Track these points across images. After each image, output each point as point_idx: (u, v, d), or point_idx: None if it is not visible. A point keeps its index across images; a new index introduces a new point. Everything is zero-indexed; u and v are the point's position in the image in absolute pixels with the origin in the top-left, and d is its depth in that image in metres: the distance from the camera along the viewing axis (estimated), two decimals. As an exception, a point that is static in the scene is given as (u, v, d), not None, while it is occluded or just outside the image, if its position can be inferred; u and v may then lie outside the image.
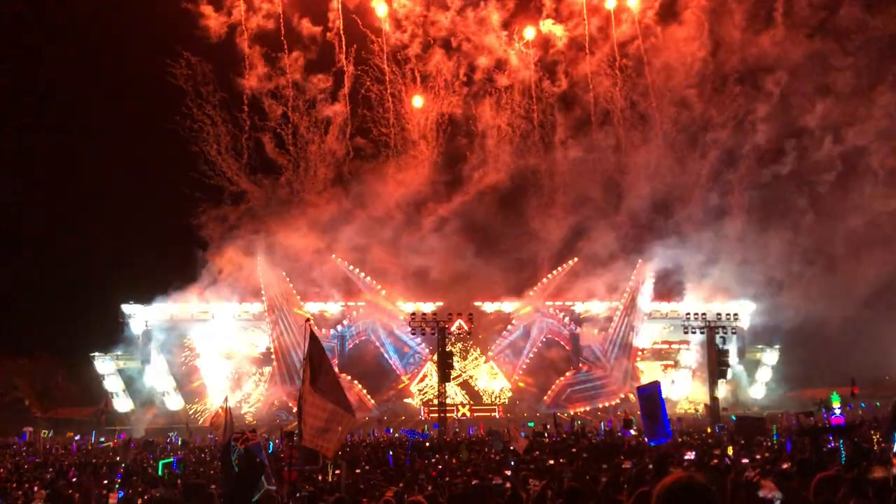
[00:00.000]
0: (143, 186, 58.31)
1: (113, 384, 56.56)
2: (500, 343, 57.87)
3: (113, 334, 55.93)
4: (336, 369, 42.81)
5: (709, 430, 38.29)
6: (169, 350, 56.39)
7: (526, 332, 58.04)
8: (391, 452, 27.09)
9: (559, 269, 58.10)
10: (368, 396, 55.01)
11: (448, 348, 43.70)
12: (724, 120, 56.53)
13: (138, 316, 55.91)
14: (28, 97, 58.99)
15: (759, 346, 59.13)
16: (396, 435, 44.30)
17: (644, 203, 57.68)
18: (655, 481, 7.25)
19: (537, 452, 24.51)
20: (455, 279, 56.90)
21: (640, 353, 57.70)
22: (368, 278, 56.75)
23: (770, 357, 58.88)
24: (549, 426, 41.29)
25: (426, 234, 57.02)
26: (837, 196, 53.49)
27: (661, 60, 57.50)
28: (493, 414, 55.62)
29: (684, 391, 57.54)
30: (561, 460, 20.59)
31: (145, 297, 55.71)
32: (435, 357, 46.28)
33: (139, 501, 15.55)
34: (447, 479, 17.75)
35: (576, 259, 57.49)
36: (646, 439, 12.65)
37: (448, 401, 45.92)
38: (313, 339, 10.91)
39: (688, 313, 48.92)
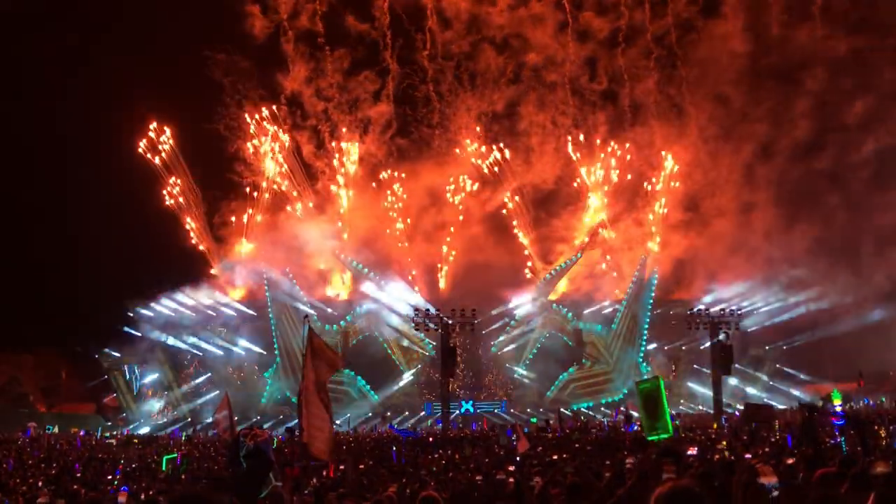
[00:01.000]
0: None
1: (117, 380, 56.74)
2: (504, 338, 57.74)
3: (117, 330, 55.99)
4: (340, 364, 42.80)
5: (714, 425, 38.21)
6: (173, 346, 56.40)
7: (530, 327, 57.89)
8: (394, 448, 27.18)
9: (564, 263, 57.89)
10: (371, 392, 55.10)
11: (452, 343, 43.68)
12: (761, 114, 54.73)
13: (143, 312, 55.92)
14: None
15: (764, 343, 58.86)
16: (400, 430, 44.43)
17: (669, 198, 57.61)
18: (645, 482, 7.22)
19: (540, 448, 24.53)
20: (461, 274, 57.03)
21: (643, 347, 57.53)
22: (373, 273, 56.61)
23: (774, 353, 58.66)
24: (552, 421, 41.32)
25: (438, 229, 57.40)
26: (866, 193, 51.79)
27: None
28: (496, 409, 55.69)
29: (688, 387, 57.42)
30: (564, 455, 20.60)
31: (150, 294, 55.71)
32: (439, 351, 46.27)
33: (142, 497, 15.61)
34: (450, 474, 17.78)
35: (580, 255, 57.34)
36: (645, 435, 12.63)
37: (451, 396, 45.98)
38: (311, 335, 10.90)
39: (692, 308, 48.77)
